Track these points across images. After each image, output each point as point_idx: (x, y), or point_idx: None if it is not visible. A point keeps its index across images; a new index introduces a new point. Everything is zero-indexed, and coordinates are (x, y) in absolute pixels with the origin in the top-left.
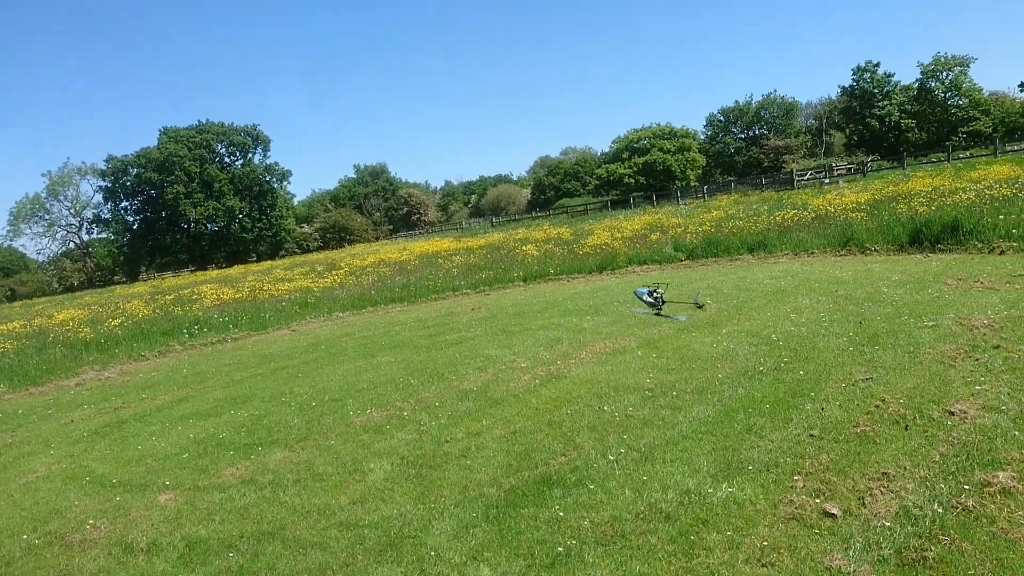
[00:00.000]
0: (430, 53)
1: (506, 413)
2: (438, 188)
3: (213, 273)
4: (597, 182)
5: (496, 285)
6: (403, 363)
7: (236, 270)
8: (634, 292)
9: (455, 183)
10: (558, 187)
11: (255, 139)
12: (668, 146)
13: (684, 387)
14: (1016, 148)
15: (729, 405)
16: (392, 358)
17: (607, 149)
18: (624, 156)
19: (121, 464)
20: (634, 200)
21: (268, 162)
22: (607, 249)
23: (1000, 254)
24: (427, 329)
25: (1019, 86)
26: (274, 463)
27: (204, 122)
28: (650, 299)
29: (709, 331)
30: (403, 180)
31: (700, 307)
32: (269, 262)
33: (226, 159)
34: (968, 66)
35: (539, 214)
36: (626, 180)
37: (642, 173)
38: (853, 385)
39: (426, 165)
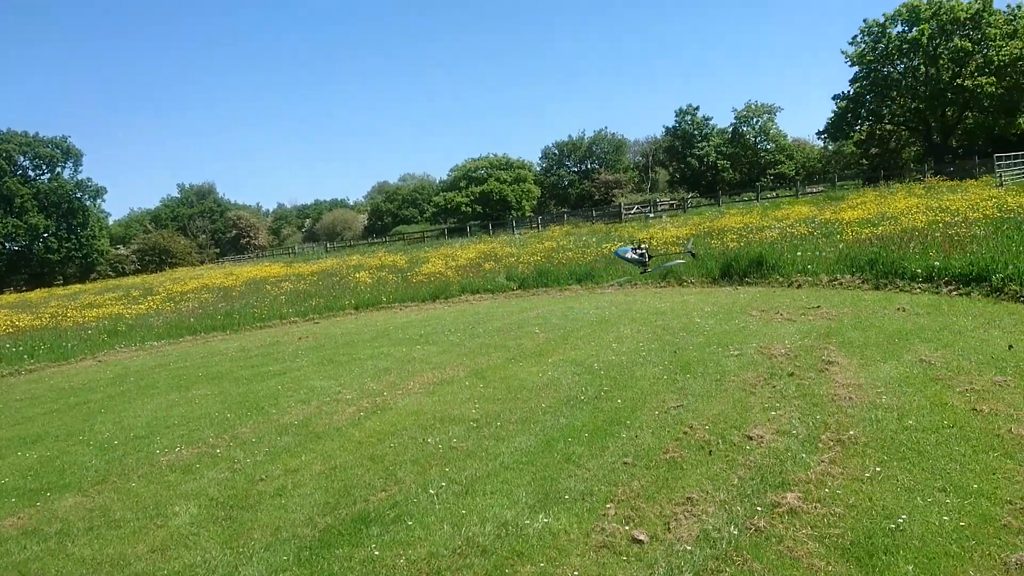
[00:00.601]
0: (263, 70)
1: (327, 448)
2: (270, 211)
3: (10, 297)
4: (435, 210)
5: (326, 313)
6: (220, 396)
7: (38, 294)
8: (615, 253)
9: (288, 206)
10: (396, 213)
11: (65, 152)
12: (505, 176)
13: (509, 417)
14: (814, 190)
15: (551, 435)
16: (209, 391)
17: (446, 177)
18: (462, 185)
19: None
20: (471, 228)
21: (80, 178)
22: (441, 278)
23: (797, 288)
24: (249, 359)
25: (816, 134)
26: (64, 510)
27: (5, 131)
28: (635, 255)
29: (536, 361)
30: (232, 202)
31: (694, 256)
32: (78, 285)
33: (30, 173)
34: (775, 114)
35: (375, 240)
36: (463, 208)
37: (479, 202)
38: (665, 412)
39: (259, 187)
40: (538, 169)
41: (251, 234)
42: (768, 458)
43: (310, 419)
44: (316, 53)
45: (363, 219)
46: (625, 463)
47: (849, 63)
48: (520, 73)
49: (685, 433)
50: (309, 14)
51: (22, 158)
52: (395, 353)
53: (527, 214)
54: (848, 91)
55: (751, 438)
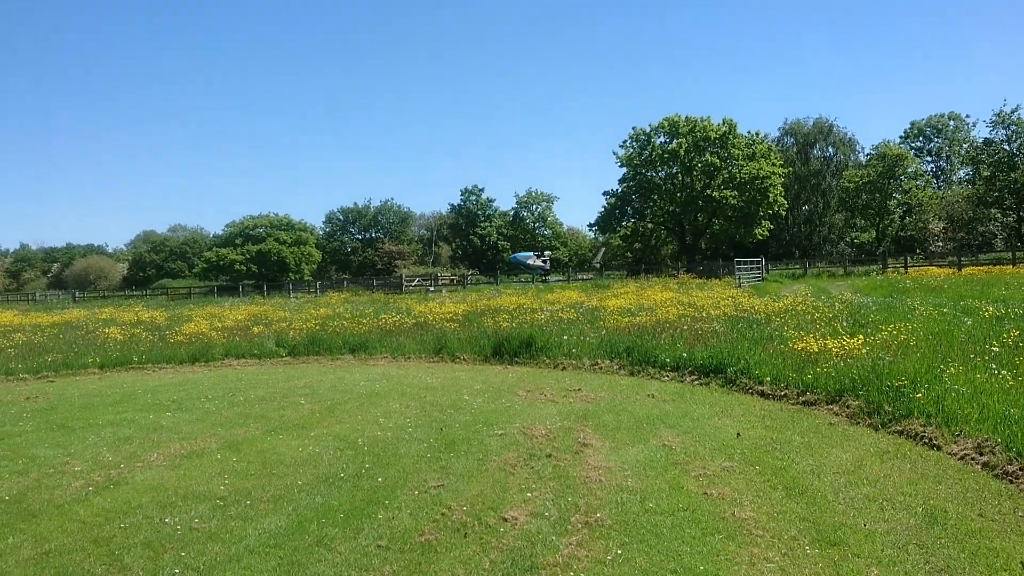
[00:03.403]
0: (12, 97)
1: (42, 528)
2: (10, 251)
3: None
4: (205, 266)
5: (65, 371)
6: None
7: None
8: (512, 257)
9: (33, 247)
10: (161, 266)
11: None
12: (285, 237)
13: (260, 495)
14: (584, 277)
15: (304, 515)
16: None
17: (221, 232)
18: (238, 242)
19: None
20: (244, 288)
21: None
22: (203, 339)
23: (562, 370)
24: None
25: (588, 225)
26: None
27: None
28: (537, 262)
29: (297, 434)
30: None
31: (602, 265)
32: None
33: None
34: (552, 203)
35: (134, 293)
36: (237, 267)
37: (255, 261)
38: (426, 492)
39: None
40: (321, 233)
41: None
42: (520, 540)
43: (25, 494)
44: (75, 78)
45: (122, 269)
46: (379, 546)
47: (619, 164)
48: (308, 133)
49: (443, 514)
50: (72, 42)
51: None
52: (140, 420)
53: (306, 278)
54: (617, 189)
55: (506, 520)
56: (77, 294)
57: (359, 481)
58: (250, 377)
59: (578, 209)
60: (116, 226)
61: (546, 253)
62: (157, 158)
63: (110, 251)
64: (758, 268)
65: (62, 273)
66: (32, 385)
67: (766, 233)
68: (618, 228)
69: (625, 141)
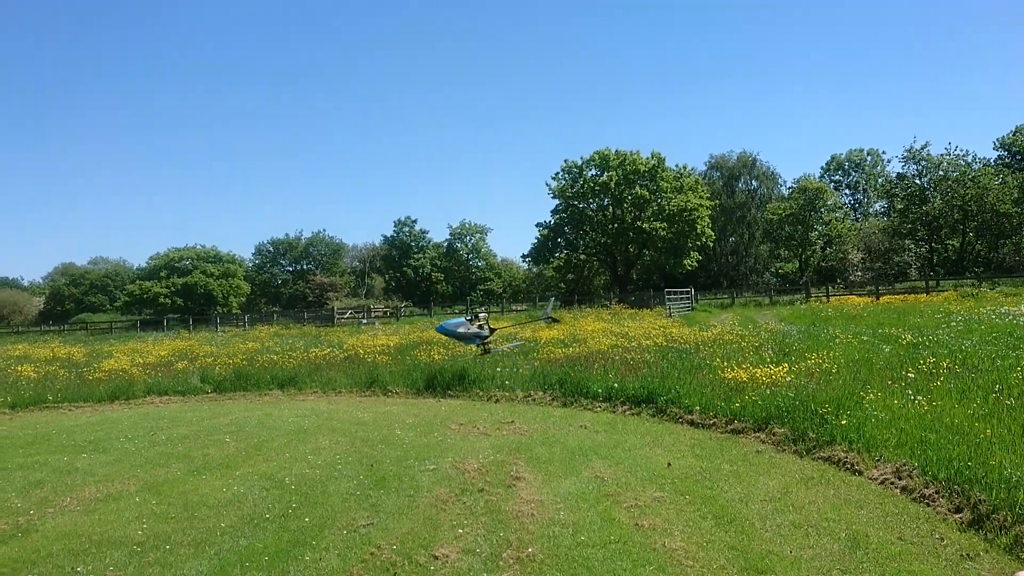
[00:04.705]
0: None
1: None
2: None
3: None
4: (128, 299)
5: None
6: None
7: None
8: (440, 328)
9: None
10: (81, 300)
11: None
12: (212, 270)
13: (181, 539)
14: (518, 308)
15: (227, 559)
16: None
17: (144, 264)
18: (163, 275)
19: None
20: (169, 322)
21: None
22: (124, 376)
23: (496, 402)
24: None
25: (521, 256)
26: None
27: None
28: (471, 330)
29: (222, 473)
30: None
31: (556, 321)
32: None
33: None
34: (486, 234)
35: (51, 328)
36: (162, 300)
37: (181, 294)
38: (355, 531)
39: None
40: (250, 265)
41: None
42: None
43: None
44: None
45: (39, 303)
46: None
47: (551, 195)
48: (236, 161)
49: (372, 554)
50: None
51: None
52: (53, 463)
53: (234, 311)
54: (550, 221)
55: (436, 557)
56: None
57: (286, 522)
58: (173, 415)
59: (511, 240)
60: (32, 258)
61: (481, 315)
62: (76, 186)
63: (25, 284)
64: (688, 298)
65: None
66: None
67: (695, 264)
68: (551, 259)
69: (557, 173)
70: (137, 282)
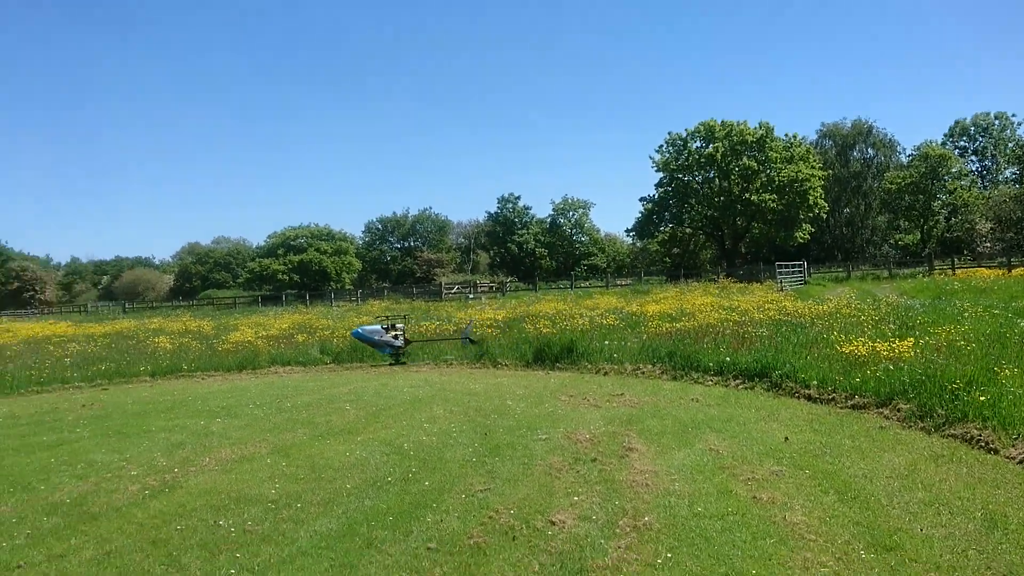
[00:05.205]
0: (64, 114)
1: (103, 530)
2: (62, 264)
3: None
4: (249, 276)
5: (118, 379)
6: None
7: None
8: (355, 333)
9: (84, 261)
10: (206, 277)
11: None
12: (326, 247)
13: (311, 498)
14: (622, 283)
15: (354, 517)
16: None
17: (263, 243)
18: (280, 252)
19: None
20: (286, 298)
21: None
22: (250, 347)
23: (604, 375)
24: (19, 428)
25: (625, 231)
26: None
27: None
28: (384, 338)
29: (344, 439)
30: (16, 251)
31: (474, 343)
32: None
33: None
34: (589, 209)
35: (181, 304)
36: (280, 277)
37: (297, 271)
38: (473, 496)
39: (50, 237)
40: (360, 243)
41: (36, 288)
42: (568, 544)
43: (85, 497)
44: (122, 96)
45: (169, 280)
46: (429, 548)
47: (655, 169)
48: (348, 145)
49: (490, 517)
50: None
51: None
52: (192, 426)
53: (347, 287)
54: (654, 195)
55: (554, 523)
56: (126, 305)
57: (406, 485)
58: (296, 384)
59: (615, 215)
60: (162, 238)
61: (398, 326)
62: (200, 171)
63: (157, 263)
64: (800, 271)
65: (111, 285)
66: (87, 393)
67: (807, 236)
68: (655, 233)
69: (661, 146)
70: (257, 260)
